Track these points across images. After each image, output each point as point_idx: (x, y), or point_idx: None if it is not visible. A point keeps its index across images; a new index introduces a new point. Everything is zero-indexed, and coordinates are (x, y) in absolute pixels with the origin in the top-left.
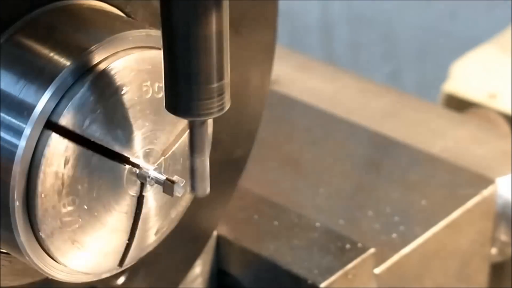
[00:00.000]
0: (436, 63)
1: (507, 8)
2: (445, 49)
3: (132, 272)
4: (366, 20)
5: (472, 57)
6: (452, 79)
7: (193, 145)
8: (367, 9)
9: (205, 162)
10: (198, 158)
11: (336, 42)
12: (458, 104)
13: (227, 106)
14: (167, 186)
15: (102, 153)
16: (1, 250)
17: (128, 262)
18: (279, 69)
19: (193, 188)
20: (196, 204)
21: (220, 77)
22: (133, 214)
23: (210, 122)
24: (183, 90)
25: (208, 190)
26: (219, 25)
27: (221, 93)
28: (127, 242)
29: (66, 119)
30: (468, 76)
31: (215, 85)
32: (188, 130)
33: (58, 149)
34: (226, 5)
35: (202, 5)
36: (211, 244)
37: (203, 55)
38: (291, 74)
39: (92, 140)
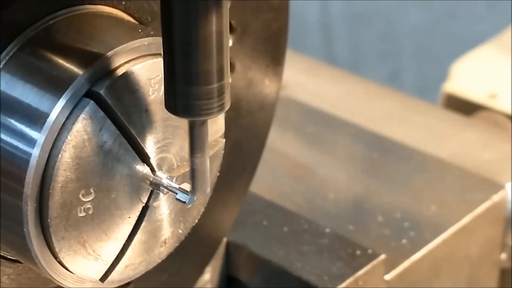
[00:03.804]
0: (436, 63)
1: (507, 8)
2: (445, 49)
3: (141, 278)
4: (366, 19)
5: (472, 57)
6: (452, 79)
7: (193, 145)
8: (366, 8)
9: (205, 162)
10: (198, 158)
11: (335, 41)
12: (458, 104)
13: (227, 106)
14: (180, 195)
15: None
16: (11, 258)
17: (132, 274)
18: (285, 73)
19: (193, 188)
20: (207, 210)
21: (220, 77)
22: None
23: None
24: (183, 90)
25: (208, 190)
26: (219, 25)
27: (221, 93)
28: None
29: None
30: (468, 76)
31: (215, 85)
32: (188, 130)
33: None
34: (226, 5)
35: (202, 5)
36: (220, 250)
37: (203, 55)
38: (297, 78)
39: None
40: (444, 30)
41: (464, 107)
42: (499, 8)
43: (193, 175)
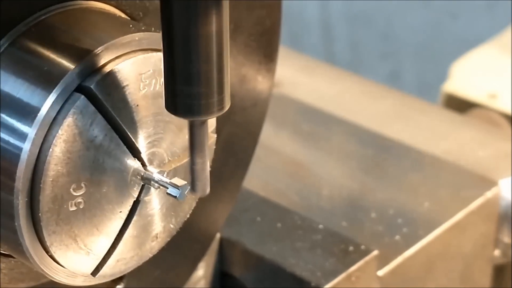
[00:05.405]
0: (436, 63)
1: (507, 8)
2: (445, 49)
3: (134, 273)
4: (366, 19)
5: (472, 57)
6: (452, 79)
7: (193, 145)
8: (366, 8)
9: (205, 162)
10: (198, 158)
11: (335, 41)
12: (458, 104)
13: (227, 106)
14: (171, 190)
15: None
16: (3, 253)
17: (124, 269)
18: (282, 71)
19: (193, 188)
20: (200, 206)
21: (220, 77)
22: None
23: (211, 122)
24: (183, 90)
25: (208, 190)
26: (219, 24)
27: (221, 93)
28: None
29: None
30: (468, 76)
31: (215, 85)
32: (188, 130)
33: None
34: (226, 5)
35: (202, 5)
36: (214, 246)
37: (203, 55)
38: (294, 76)
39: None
40: (444, 30)
41: (464, 107)
42: (499, 8)
43: (193, 175)
